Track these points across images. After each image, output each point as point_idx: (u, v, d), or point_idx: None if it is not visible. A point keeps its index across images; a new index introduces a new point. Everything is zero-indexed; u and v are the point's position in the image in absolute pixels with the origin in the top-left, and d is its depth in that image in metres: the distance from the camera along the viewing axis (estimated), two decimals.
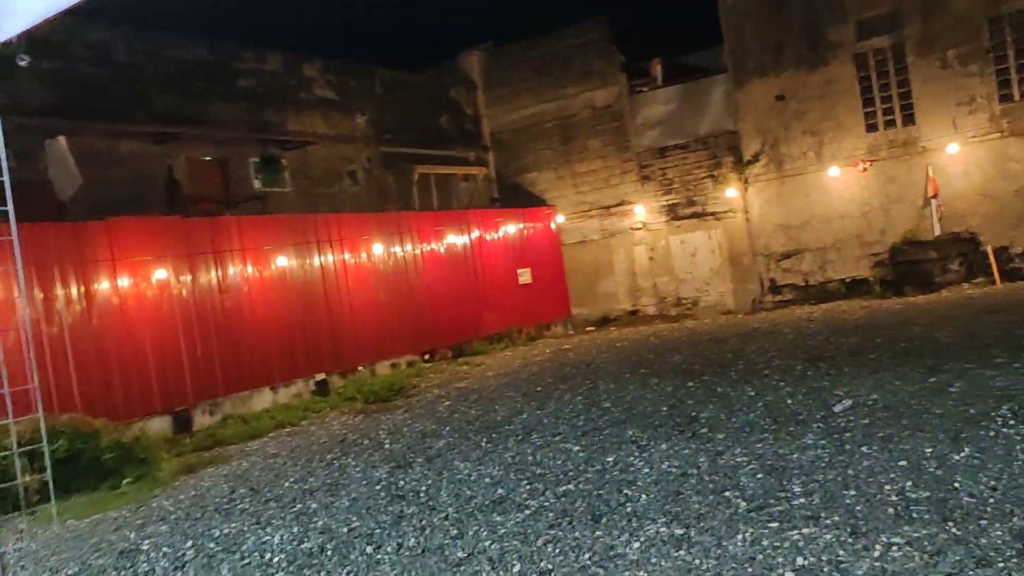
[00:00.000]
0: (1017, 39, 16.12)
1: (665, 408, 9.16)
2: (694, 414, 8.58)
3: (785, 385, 9.35)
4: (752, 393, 9.20)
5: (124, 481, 9.43)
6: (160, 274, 12.20)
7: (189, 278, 12.63)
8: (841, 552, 4.43)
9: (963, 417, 6.77)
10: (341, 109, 18.47)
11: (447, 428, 9.99)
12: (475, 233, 18.54)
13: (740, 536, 4.90)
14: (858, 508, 5.06)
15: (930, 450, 6.00)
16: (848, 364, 10.07)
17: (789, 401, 8.45)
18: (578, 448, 7.92)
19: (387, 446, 9.50)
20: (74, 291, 11.27)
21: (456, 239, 17.99)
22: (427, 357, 16.73)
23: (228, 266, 13.22)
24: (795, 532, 4.82)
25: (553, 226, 21.15)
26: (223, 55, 16.10)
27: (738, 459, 6.56)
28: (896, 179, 17.43)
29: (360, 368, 15.24)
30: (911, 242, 17.23)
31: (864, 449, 6.26)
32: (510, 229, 19.60)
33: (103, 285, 11.59)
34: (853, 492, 5.35)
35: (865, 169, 17.63)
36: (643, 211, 20.51)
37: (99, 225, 11.77)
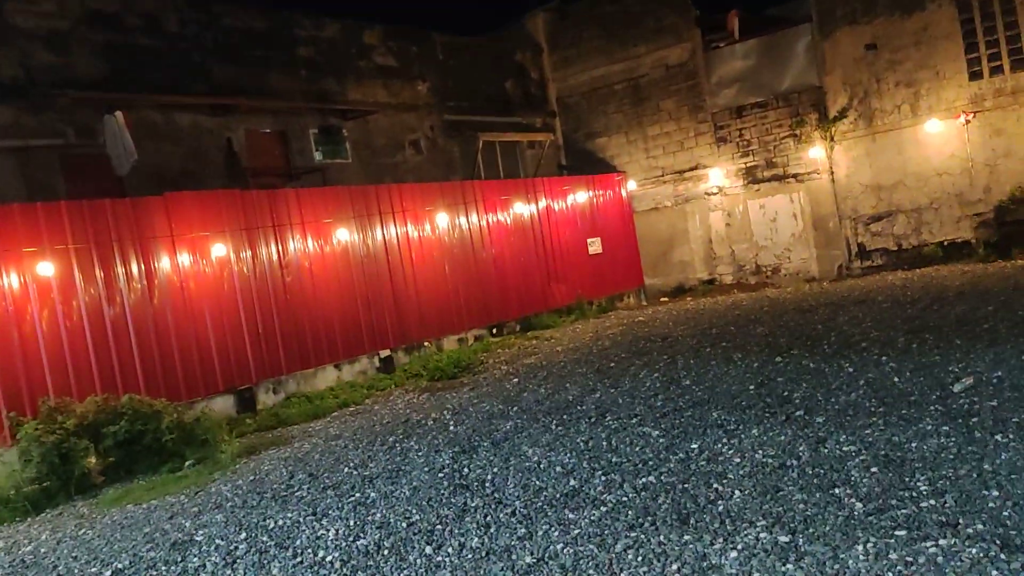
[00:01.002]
0: None
1: (752, 387, 8.34)
2: (786, 393, 7.75)
3: (888, 360, 8.42)
4: (850, 369, 8.30)
5: (185, 464, 9.12)
6: (219, 250, 11.82)
7: (249, 253, 12.23)
8: (994, 573, 3.62)
9: None
10: (402, 76, 17.85)
11: (515, 408, 9.37)
12: (542, 202, 17.80)
13: (860, 547, 4.12)
14: (1005, 514, 4.22)
15: None
16: (958, 336, 9.06)
17: (896, 379, 7.54)
18: (658, 433, 7.19)
19: (451, 428, 8.93)
20: (134, 269, 10.96)
21: (523, 208, 17.28)
22: (495, 331, 16.14)
23: (288, 240, 12.79)
24: (930, 544, 4.02)
25: (624, 193, 20.24)
26: (280, 23, 15.61)
27: (845, 448, 5.74)
28: (1003, 131, 15.97)
29: (426, 344, 14.73)
30: (1020, 200, 15.80)
31: (999, 438, 5.37)
32: (579, 197, 18.79)
33: (163, 262, 11.26)
34: (995, 493, 4.51)
35: (968, 121, 16.21)
36: (719, 175, 19.43)
37: (157, 200, 11.43)
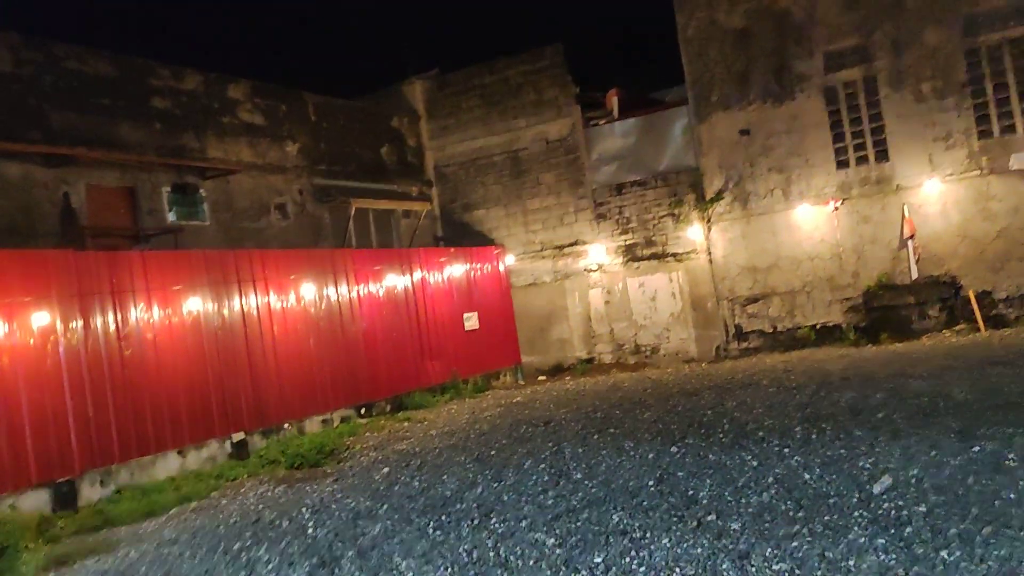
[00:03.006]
0: (995, 72, 15.30)
1: (651, 482, 7.56)
2: (691, 492, 6.99)
3: (791, 453, 7.85)
4: (754, 463, 7.66)
5: None
6: (42, 318, 10.21)
7: (80, 323, 10.65)
8: None
9: None
10: (270, 136, 16.72)
11: (385, 506, 8.23)
12: (417, 274, 16.88)
13: None
14: None
15: None
16: (857, 426, 8.64)
17: (807, 476, 6.92)
18: (553, 541, 6.25)
19: (310, 531, 7.69)
20: None
21: (396, 280, 16.30)
22: (363, 412, 14.89)
23: (130, 309, 11.28)
24: None
25: (502, 267, 19.60)
26: (133, 70, 14.26)
27: (775, 566, 4.97)
28: (870, 219, 16.36)
29: (286, 426, 13.33)
30: (886, 286, 16.12)
31: (945, 555, 4.73)
32: (455, 270, 17.98)
33: None
34: None
35: (837, 208, 16.53)
36: (599, 251, 19.12)
37: None
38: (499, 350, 18.90)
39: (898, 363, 12.92)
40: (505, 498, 7.84)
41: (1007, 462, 6.44)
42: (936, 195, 15.70)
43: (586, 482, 7.98)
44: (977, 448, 6.96)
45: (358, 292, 15.34)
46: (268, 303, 13.36)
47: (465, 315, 18.01)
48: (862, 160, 16.51)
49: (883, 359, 13.71)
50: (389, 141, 19.97)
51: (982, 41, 15.33)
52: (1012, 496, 5.60)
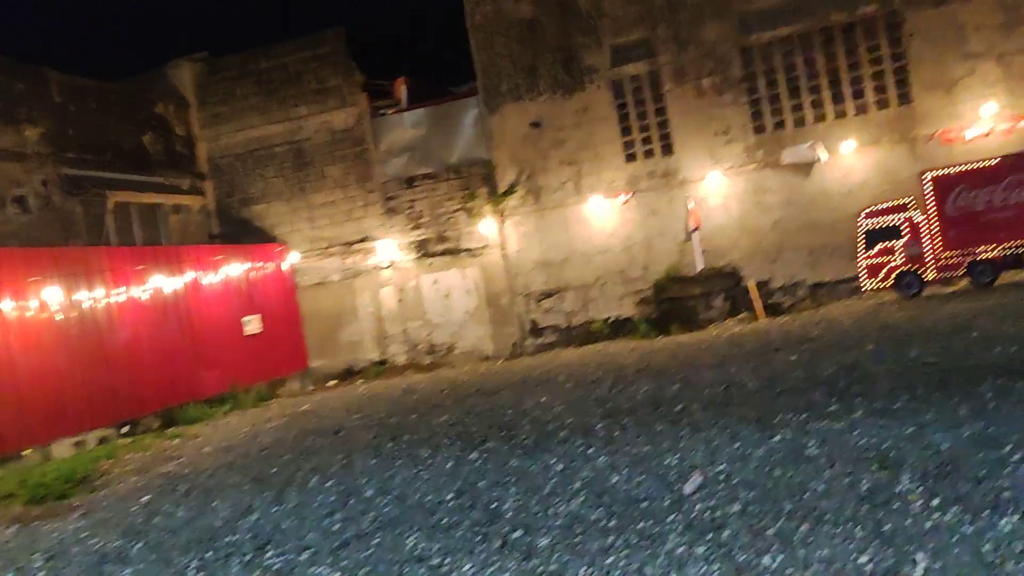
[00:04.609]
0: (767, 70, 16.02)
1: (451, 495, 6.84)
2: (494, 505, 6.34)
3: (596, 453, 7.42)
4: (559, 466, 7.15)
5: None
6: None
7: None
8: None
9: (860, 495, 5.13)
10: (3, 118, 14.43)
11: (139, 544, 6.96)
12: (189, 275, 15.26)
13: None
14: None
15: (865, 558, 4.20)
16: (657, 420, 8.39)
17: (615, 478, 6.48)
18: None
19: None
20: None
21: (164, 282, 14.64)
22: (126, 430, 13.20)
23: None
24: None
25: (286, 266, 18.26)
26: None
27: None
28: (658, 212, 16.65)
29: (26, 452, 11.43)
30: (674, 278, 16.46)
31: (768, 561, 4.34)
32: (233, 270, 16.48)
33: None
34: None
35: (627, 201, 16.69)
36: (390, 248, 18.25)
37: None
38: (284, 355, 17.59)
39: (687, 354, 13.08)
40: (285, 525, 6.84)
41: (808, 451, 6.30)
42: (718, 188, 16.22)
43: (379, 500, 7.14)
44: (777, 437, 6.82)
45: (118, 296, 13.58)
46: (0, 311, 11.39)
47: (245, 319, 16.57)
48: (649, 153, 16.78)
49: (673, 350, 13.87)
50: (153, 129, 18.00)
51: (755, 40, 15.99)
52: (821, 487, 5.39)
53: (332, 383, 17.82)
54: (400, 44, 22.15)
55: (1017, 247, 13.71)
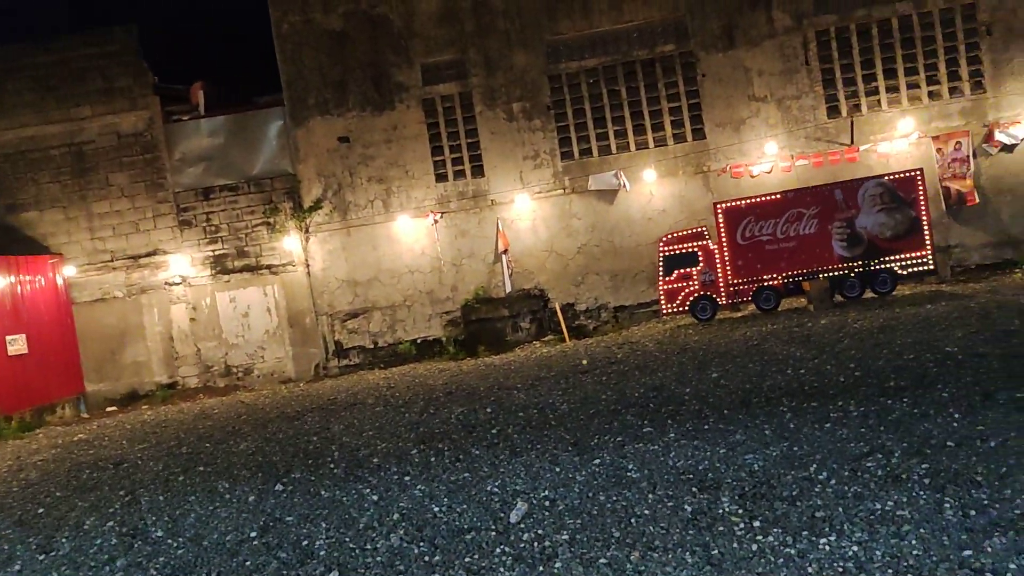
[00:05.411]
0: (575, 99, 16.46)
1: (254, 533, 6.26)
2: (305, 541, 5.85)
3: (413, 481, 7.08)
4: (375, 498, 6.75)
5: None
6: None
7: None
8: None
9: (684, 519, 5.14)
10: None
11: None
12: None
13: None
14: None
15: None
16: (473, 444, 8.18)
17: (435, 508, 6.17)
18: None
19: None
20: None
21: None
22: None
23: None
24: None
25: (60, 280, 16.51)
26: None
27: None
28: (467, 232, 16.60)
29: None
30: (483, 299, 16.46)
31: None
32: None
33: None
34: None
35: (436, 221, 16.51)
36: (183, 263, 16.97)
37: None
38: (56, 378, 15.85)
39: (496, 375, 13.03)
40: None
41: (628, 474, 6.31)
42: (527, 211, 16.43)
43: (170, 541, 6.41)
44: (597, 461, 6.80)
45: None
46: None
47: (9, 338, 14.79)
48: (460, 174, 16.74)
49: (482, 372, 13.78)
50: None
51: (563, 68, 16.41)
52: (646, 512, 5.37)
53: (112, 409, 16.28)
54: (199, 48, 20.77)
55: (796, 275, 14.83)
